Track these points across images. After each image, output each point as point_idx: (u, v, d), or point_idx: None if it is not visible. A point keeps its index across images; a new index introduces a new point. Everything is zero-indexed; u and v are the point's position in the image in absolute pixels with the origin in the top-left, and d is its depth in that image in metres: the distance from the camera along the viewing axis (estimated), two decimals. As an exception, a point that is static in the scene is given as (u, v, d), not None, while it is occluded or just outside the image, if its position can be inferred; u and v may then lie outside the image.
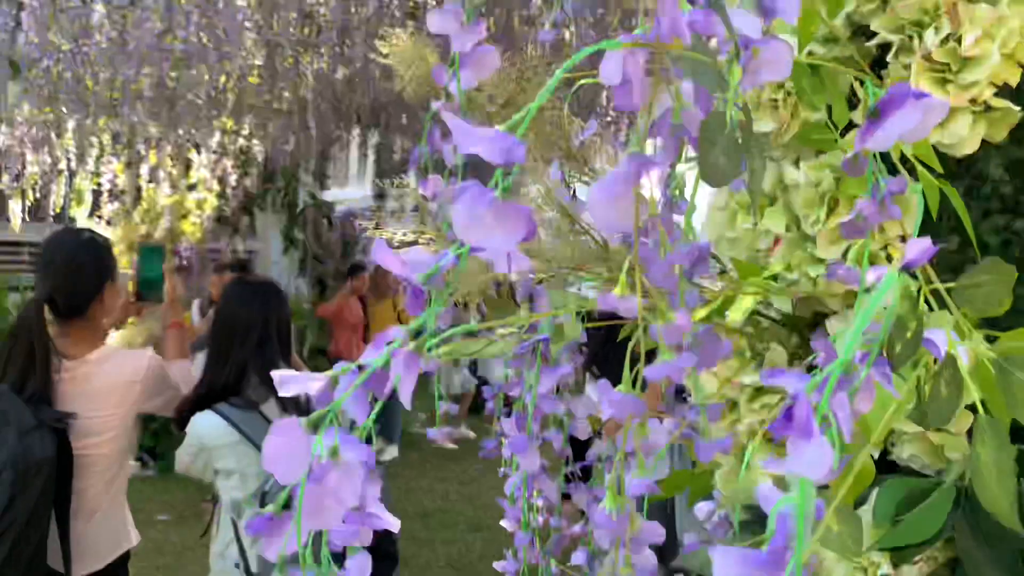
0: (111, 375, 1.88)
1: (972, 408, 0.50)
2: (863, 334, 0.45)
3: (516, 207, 0.36)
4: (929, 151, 0.56)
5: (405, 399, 0.37)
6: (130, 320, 5.60)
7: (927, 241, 0.41)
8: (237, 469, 1.90)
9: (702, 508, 0.89)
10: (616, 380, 0.52)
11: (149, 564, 4.16)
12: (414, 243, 0.76)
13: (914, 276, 0.46)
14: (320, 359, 6.45)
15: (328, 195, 7.23)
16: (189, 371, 2.13)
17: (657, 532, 0.52)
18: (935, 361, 0.48)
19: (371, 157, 6.90)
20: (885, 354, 0.45)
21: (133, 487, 5.59)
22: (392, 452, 6.06)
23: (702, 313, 0.75)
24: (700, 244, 0.47)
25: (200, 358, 3.29)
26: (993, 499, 0.41)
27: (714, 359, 0.48)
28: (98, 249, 1.97)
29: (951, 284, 0.46)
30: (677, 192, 0.51)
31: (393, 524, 0.40)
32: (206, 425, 1.91)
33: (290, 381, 0.36)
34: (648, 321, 0.47)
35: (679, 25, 0.37)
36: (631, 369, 0.48)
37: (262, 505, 1.86)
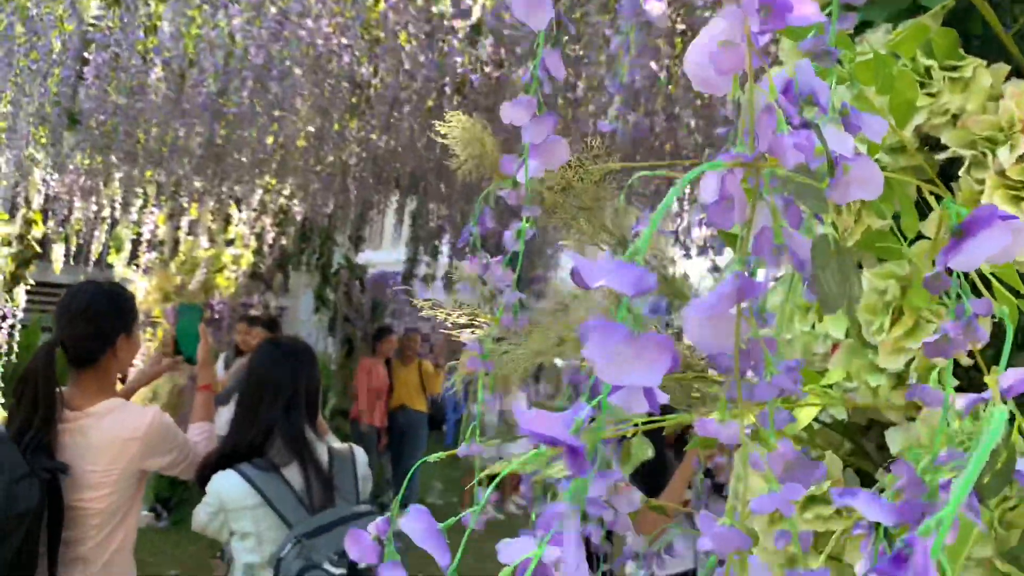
0: (110, 430, 1.86)
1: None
2: (948, 464, 0.44)
3: (656, 337, 0.34)
4: (1013, 273, 0.55)
5: None
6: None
7: (1021, 372, 0.40)
8: (254, 532, 1.87)
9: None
10: (653, 488, 0.50)
11: (156, 620, 4.09)
12: (468, 326, 0.75)
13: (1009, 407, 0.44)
14: (340, 420, 6.42)
15: (362, 257, 7.31)
16: (211, 434, 2.12)
17: None
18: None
19: (406, 222, 6.99)
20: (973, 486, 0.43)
21: (144, 537, 5.54)
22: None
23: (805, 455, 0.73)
24: (793, 363, 0.46)
25: (224, 412, 3.27)
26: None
27: (808, 484, 0.46)
28: (116, 299, 1.97)
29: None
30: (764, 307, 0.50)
31: None
32: (228, 486, 1.89)
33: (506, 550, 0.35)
34: (748, 448, 0.45)
35: (781, 144, 0.37)
36: (731, 501, 0.46)
37: (276, 571, 1.82)
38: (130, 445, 1.87)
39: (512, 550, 0.36)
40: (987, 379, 0.39)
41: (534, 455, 0.67)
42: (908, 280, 0.69)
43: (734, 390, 0.38)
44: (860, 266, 0.76)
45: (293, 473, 1.94)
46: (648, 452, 0.65)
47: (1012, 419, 0.44)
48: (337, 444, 2.13)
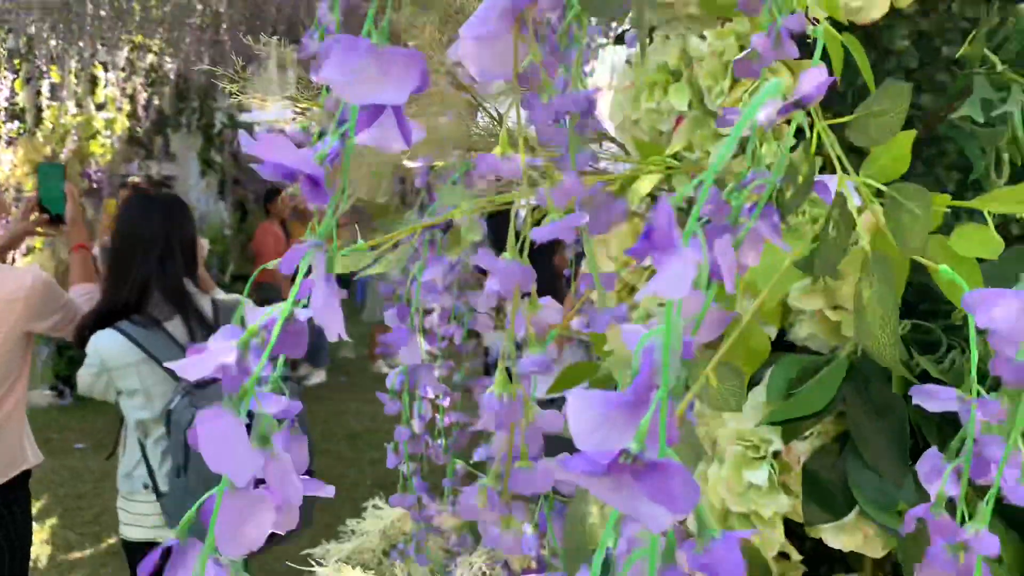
0: None
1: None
2: (751, 184, 0.42)
3: (400, 51, 0.30)
4: (835, 6, 0.53)
5: (332, 329, 0.32)
6: (38, 245, 5.34)
7: (822, 71, 0.38)
8: (141, 388, 1.83)
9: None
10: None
11: (69, 492, 4.06)
12: (294, 119, 0.69)
13: (809, 115, 0.43)
14: (241, 285, 6.29)
15: (247, 116, 6.94)
16: (94, 295, 2.02)
17: (556, 421, 0.48)
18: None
19: (290, 76, 6.61)
20: (775, 204, 0.42)
21: (49, 416, 5.42)
22: (320, 376, 6.03)
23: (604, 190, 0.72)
24: (587, 93, 0.43)
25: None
26: (875, 339, 0.39)
27: (608, 222, 0.44)
28: None
29: (848, 118, 0.43)
30: (564, 41, 0.47)
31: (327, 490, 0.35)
32: (107, 343, 1.82)
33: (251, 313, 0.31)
34: (537, 184, 0.43)
35: None
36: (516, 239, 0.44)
37: (167, 425, 1.80)
38: (13, 306, 1.80)
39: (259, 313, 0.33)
40: (777, 80, 0.37)
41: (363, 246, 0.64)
42: (746, 38, 0.66)
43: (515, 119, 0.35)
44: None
45: (176, 326, 1.89)
46: (478, 235, 0.62)
47: (812, 131, 0.42)
48: (223, 296, 2.07)
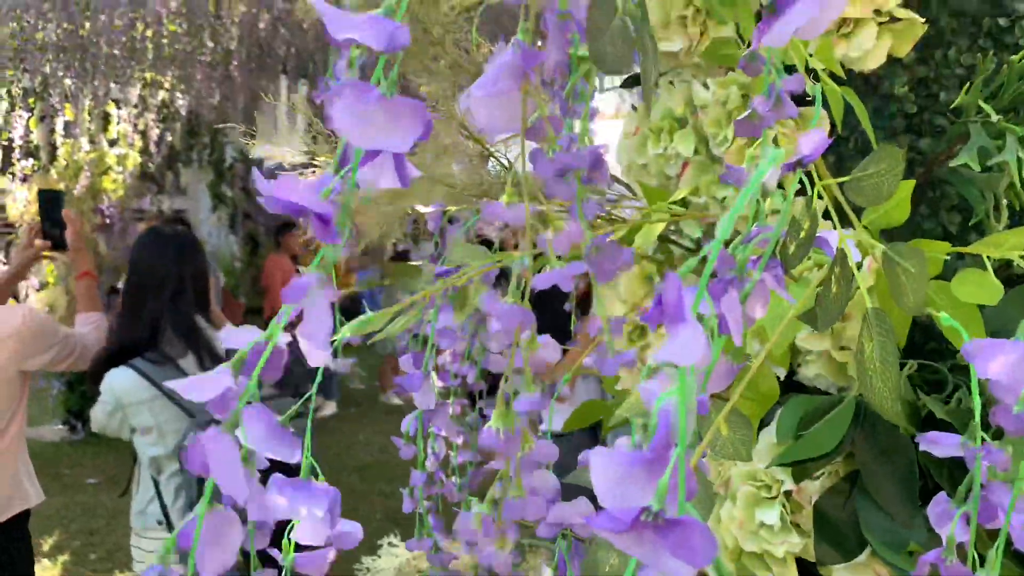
0: None
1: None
2: (756, 238, 0.44)
3: (406, 101, 0.32)
4: (832, 59, 0.55)
5: (314, 356, 0.34)
6: (51, 280, 5.38)
7: (821, 133, 0.40)
8: (155, 425, 1.85)
9: (622, 440, 0.88)
10: (545, 321, 0.49)
11: (81, 528, 4.06)
12: (307, 165, 0.72)
13: (810, 177, 0.44)
14: (254, 319, 6.32)
15: (257, 151, 7.02)
16: (100, 323, 2.04)
17: (550, 452, 0.50)
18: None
19: (301, 110, 6.69)
20: (779, 257, 0.44)
21: (61, 451, 5.41)
22: (331, 408, 6.03)
23: (611, 240, 0.73)
24: (595, 148, 0.45)
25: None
26: (877, 393, 0.40)
27: (613, 271, 0.46)
28: None
29: (845, 178, 0.45)
30: (570, 96, 0.49)
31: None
32: (121, 381, 1.84)
33: (232, 337, 0.33)
34: (539, 231, 0.44)
35: None
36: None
37: (180, 460, 1.81)
38: (3, 345, 1.81)
39: (239, 335, 0.34)
40: (784, 147, 0.39)
41: (371, 317, 0.65)
42: (748, 87, 0.68)
43: (520, 172, 0.37)
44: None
45: (189, 363, 1.91)
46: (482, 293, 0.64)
47: (812, 187, 0.44)
48: (235, 333, 2.09)
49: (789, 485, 0.62)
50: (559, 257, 0.39)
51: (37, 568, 2.24)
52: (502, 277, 0.68)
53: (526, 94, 0.37)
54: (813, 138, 0.40)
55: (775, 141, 0.59)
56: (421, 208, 0.87)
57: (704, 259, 0.31)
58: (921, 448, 0.42)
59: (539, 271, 0.47)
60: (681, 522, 0.23)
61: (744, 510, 0.64)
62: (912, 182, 0.50)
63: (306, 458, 0.47)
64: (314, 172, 0.74)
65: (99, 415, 1.91)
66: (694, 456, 0.39)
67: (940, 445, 0.41)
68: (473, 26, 0.92)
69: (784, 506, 0.63)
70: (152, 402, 1.84)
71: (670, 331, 0.29)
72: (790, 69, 0.55)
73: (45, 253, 2.16)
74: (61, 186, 6.05)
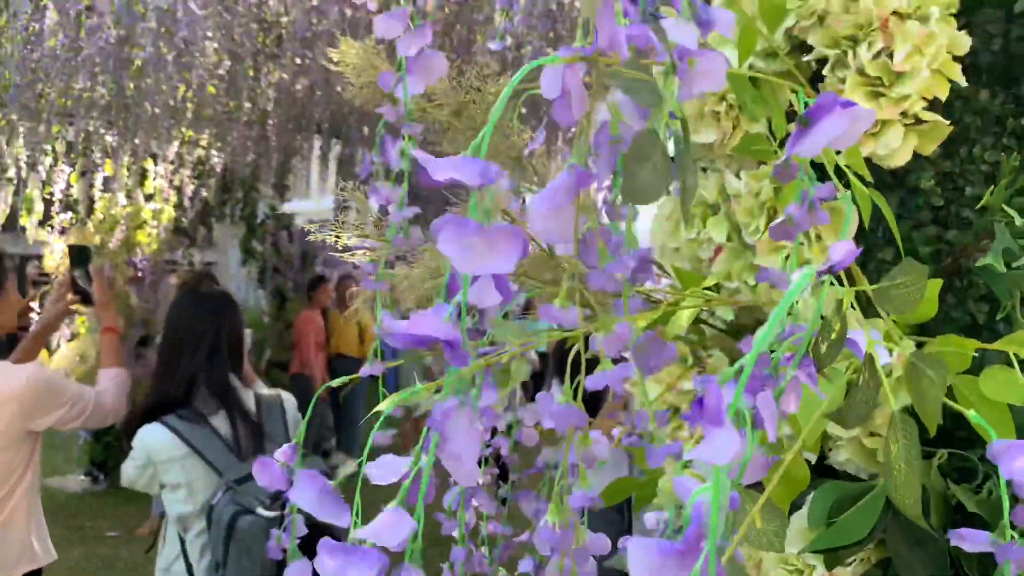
0: None
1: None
2: (790, 338, 0.46)
3: (506, 228, 0.36)
4: (860, 162, 0.58)
5: (465, 475, 0.37)
6: (82, 331, 5.47)
7: (851, 244, 0.42)
8: (184, 483, 1.87)
9: (650, 516, 0.89)
10: (591, 409, 0.52)
11: (99, 581, 4.06)
12: (358, 247, 0.75)
13: (839, 280, 0.47)
14: (278, 373, 6.36)
15: (288, 207, 7.17)
16: (122, 379, 2.08)
17: (602, 544, 0.52)
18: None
19: (332, 168, 6.86)
20: (811, 355, 0.46)
21: (83, 502, 5.41)
22: (352, 465, 6.01)
23: (644, 322, 0.76)
24: (641, 251, 0.48)
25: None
26: (901, 494, 0.42)
27: (659, 365, 0.48)
28: None
29: (873, 287, 0.47)
30: (618, 200, 0.52)
31: None
32: (153, 438, 1.87)
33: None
34: (590, 332, 0.47)
35: (617, 38, 0.38)
36: (571, 380, 0.48)
37: (208, 520, 1.82)
38: (8, 406, 1.82)
39: (387, 467, 0.37)
40: (815, 253, 0.41)
41: (420, 389, 0.69)
42: (780, 181, 0.71)
43: (574, 277, 0.40)
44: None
45: (220, 421, 1.93)
46: (525, 372, 0.67)
47: (843, 286, 0.46)
48: (265, 391, 2.12)
49: (821, 571, 0.63)
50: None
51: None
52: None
53: (579, 207, 0.40)
54: (843, 248, 0.42)
55: (806, 252, 0.62)
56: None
57: (741, 369, 0.34)
58: (952, 543, 0.43)
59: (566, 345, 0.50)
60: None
61: (776, 594, 0.65)
62: (940, 281, 0.52)
63: (355, 524, 0.50)
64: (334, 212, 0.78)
65: (129, 471, 1.93)
66: (729, 548, 0.40)
67: (970, 541, 0.43)
68: (514, 113, 0.96)
69: (816, 591, 0.64)
70: (184, 460, 1.87)
71: (707, 432, 0.32)
72: (819, 167, 0.58)
73: (74, 307, 2.22)
74: (97, 239, 6.21)
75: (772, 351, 0.46)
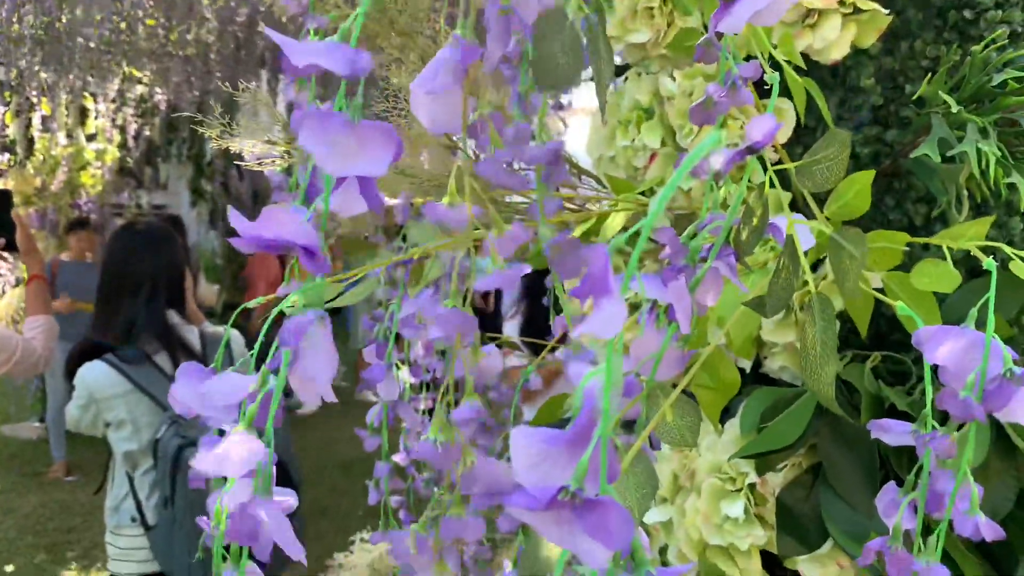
0: None
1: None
2: (709, 225, 0.43)
3: (377, 125, 0.31)
4: (794, 52, 0.54)
5: (315, 394, 0.33)
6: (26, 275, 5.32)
7: (771, 118, 0.39)
8: (129, 419, 1.83)
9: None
10: (532, 317, 0.48)
11: (58, 526, 4.02)
12: (268, 156, 0.71)
13: (762, 161, 0.44)
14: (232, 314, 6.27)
15: (237, 144, 6.97)
16: (48, 326, 2.02)
17: (492, 471, 0.48)
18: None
19: (281, 104, 6.66)
20: (732, 244, 0.43)
21: (39, 449, 5.33)
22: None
23: (577, 232, 0.73)
24: (553, 144, 0.44)
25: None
26: (815, 376, 0.40)
27: (576, 268, 0.45)
28: None
29: (795, 164, 0.44)
30: (525, 89, 0.48)
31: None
32: (94, 376, 1.82)
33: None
34: (482, 236, 0.43)
35: None
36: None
37: (155, 455, 1.79)
38: None
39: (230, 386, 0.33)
40: (731, 131, 0.38)
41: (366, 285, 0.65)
42: (714, 77, 0.68)
43: (464, 170, 0.36)
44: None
45: (164, 359, 1.89)
46: (440, 271, 0.63)
47: (764, 171, 0.44)
48: (211, 328, 2.07)
49: (753, 478, 0.62)
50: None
51: (14, 567, 2.19)
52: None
53: (467, 91, 0.37)
54: (763, 124, 0.39)
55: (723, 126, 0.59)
56: (389, 201, 0.86)
57: (636, 234, 0.30)
58: (872, 435, 0.42)
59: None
60: (599, 503, 0.23)
61: (709, 503, 0.64)
62: (871, 172, 0.49)
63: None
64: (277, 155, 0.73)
65: (73, 411, 1.88)
66: (637, 440, 0.38)
67: (890, 432, 0.41)
68: (441, 15, 0.91)
69: (748, 499, 0.63)
70: (127, 396, 1.82)
71: (595, 304, 0.29)
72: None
73: None
74: (38, 181, 6.00)
75: (692, 238, 0.43)
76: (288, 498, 0.36)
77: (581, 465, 0.25)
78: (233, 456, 0.29)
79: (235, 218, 0.31)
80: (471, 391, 0.41)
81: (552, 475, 0.24)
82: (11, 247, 2.12)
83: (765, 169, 0.43)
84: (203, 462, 0.32)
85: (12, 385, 5.49)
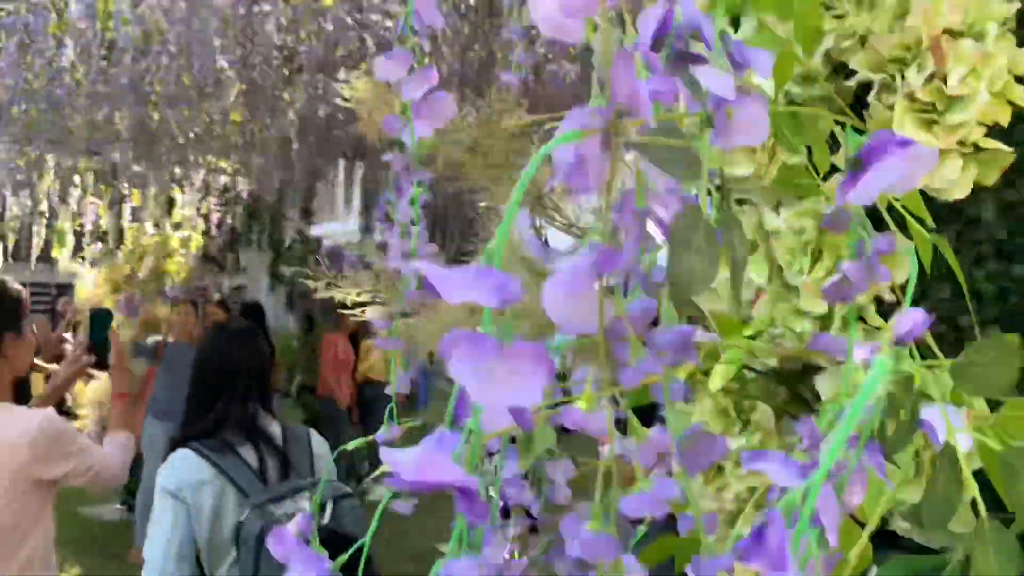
0: None
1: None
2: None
3: (528, 348, 0.29)
4: (918, 201, 0.52)
5: None
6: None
7: (920, 313, 0.36)
8: (212, 507, 1.85)
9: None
10: None
11: (135, 612, 4.04)
12: (370, 303, 0.71)
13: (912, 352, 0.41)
14: (307, 396, 6.36)
15: (315, 231, 7.19)
16: (129, 444, 2.06)
17: None
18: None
19: (356, 190, 6.87)
20: (876, 439, 0.40)
21: (116, 531, 5.42)
22: (382, 490, 5.97)
23: (682, 373, 0.70)
24: (683, 330, 0.41)
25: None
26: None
27: (707, 462, 0.42)
28: None
29: (949, 362, 0.41)
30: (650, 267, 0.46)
31: None
32: (182, 460, 1.85)
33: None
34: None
35: (638, 95, 0.32)
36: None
37: (237, 536, 1.78)
38: (18, 450, 1.77)
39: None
40: (882, 333, 0.36)
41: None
42: (830, 231, 0.65)
43: (600, 376, 0.34)
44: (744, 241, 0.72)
45: (247, 451, 1.92)
46: (551, 439, 0.60)
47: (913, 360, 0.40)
48: (292, 424, 2.11)
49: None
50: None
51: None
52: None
53: (603, 294, 0.35)
54: (912, 317, 0.37)
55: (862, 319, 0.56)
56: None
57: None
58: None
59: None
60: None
61: None
62: (1019, 345, 0.46)
63: None
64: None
65: (157, 544, 1.87)
66: None
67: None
68: (533, 144, 0.91)
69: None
70: (213, 482, 1.84)
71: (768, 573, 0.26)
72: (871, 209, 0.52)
73: (88, 370, 2.21)
74: (127, 269, 6.27)
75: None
76: None
77: None
78: None
79: (391, 459, 0.29)
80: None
81: None
82: (102, 365, 2.20)
83: (911, 357, 0.40)
84: None
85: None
